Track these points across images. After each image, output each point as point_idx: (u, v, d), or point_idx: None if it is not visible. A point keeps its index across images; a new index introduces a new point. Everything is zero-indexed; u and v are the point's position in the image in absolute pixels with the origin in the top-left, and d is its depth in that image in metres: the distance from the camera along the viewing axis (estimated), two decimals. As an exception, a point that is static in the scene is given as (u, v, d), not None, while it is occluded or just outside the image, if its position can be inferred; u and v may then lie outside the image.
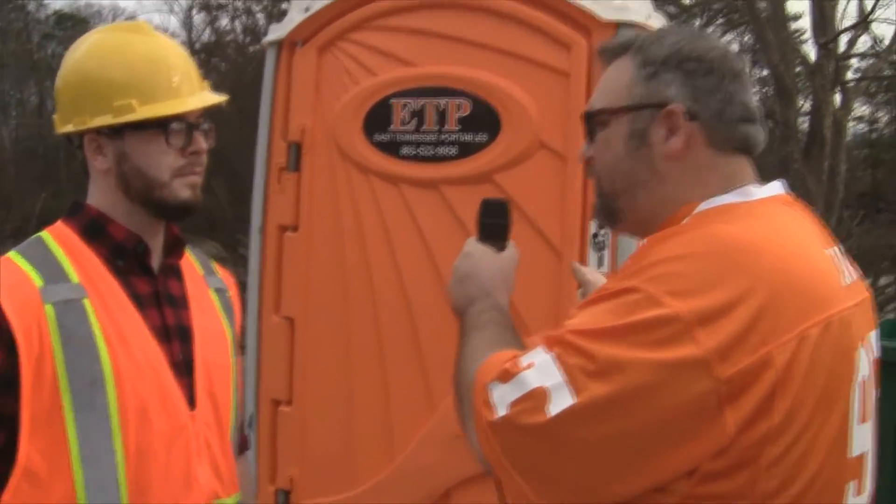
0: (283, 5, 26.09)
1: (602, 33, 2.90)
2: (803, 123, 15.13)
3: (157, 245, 1.78)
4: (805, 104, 17.16)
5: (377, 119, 3.07)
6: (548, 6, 2.95)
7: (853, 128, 18.48)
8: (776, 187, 1.54)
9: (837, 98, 13.40)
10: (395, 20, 3.08)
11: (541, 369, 1.32)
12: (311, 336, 3.18)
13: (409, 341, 3.04)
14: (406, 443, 3.06)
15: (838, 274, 1.45)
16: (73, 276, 1.64)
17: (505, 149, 2.95)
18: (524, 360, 1.35)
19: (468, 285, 1.66)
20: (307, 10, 3.16)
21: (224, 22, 28.25)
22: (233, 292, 2.01)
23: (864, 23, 13.33)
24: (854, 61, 15.64)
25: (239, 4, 25.94)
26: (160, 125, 1.71)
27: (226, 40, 28.02)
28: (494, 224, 1.77)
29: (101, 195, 1.76)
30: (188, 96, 1.75)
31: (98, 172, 1.74)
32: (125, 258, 1.72)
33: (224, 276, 2.01)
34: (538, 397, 1.29)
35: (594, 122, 1.59)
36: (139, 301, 1.71)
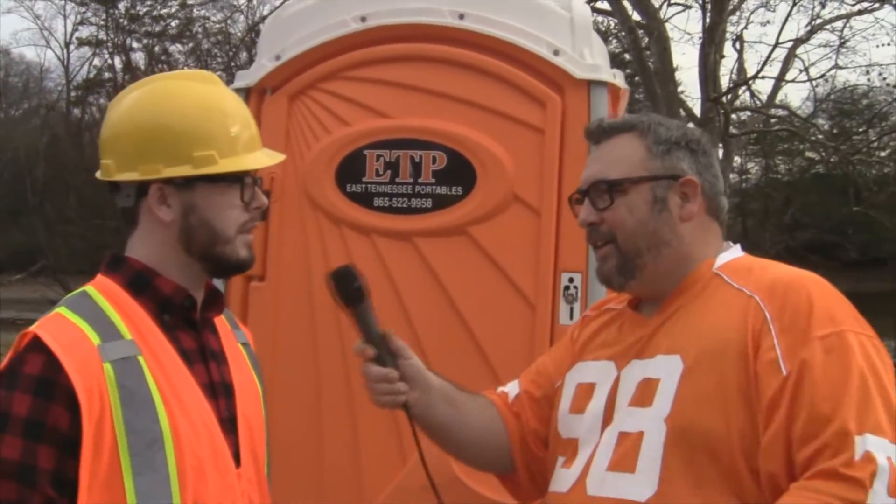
0: (166, 44, 25.83)
1: (575, 91, 2.99)
2: (688, 174, 15.69)
3: (199, 299, 1.75)
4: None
5: (350, 169, 3.07)
6: (523, 63, 3.01)
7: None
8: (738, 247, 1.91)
9: (719, 151, 13.97)
10: (369, 71, 3.10)
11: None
12: (277, 386, 3.10)
13: (380, 392, 3.02)
14: (376, 494, 3.03)
15: None
16: (125, 332, 1.59)
17: (480, 202, 2.99)
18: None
19: None
20: (278, 57, 3.15)
21: (105, 57, 27.71)
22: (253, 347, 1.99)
23: (752, 79, 13.95)
24: (734, 115, 16.35)
25: (119, 41, 25.53)
26: (235, 179, 1.69)
27: (104, 77, 27.49)
28: (344, 290, 1.93)
29: (153, 247, 1.70)
30: (257, 151, 1.74)
31: (156, 223, 1.68)
32: (172, 312, 1.68)
33: (245, 330, 1.98)
34: None
35: (613, 190, 1.84)
36: (186, 357, 1.67)
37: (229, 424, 1.70)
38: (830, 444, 1.53)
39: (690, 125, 1.98)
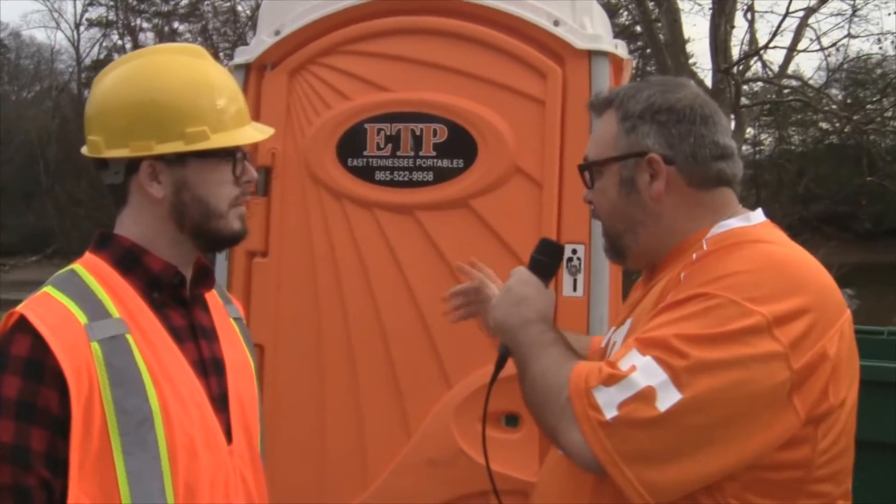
0: (175, 24, 25.82)
1: (576, 62, 2.96)
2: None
3: (188, 276, 1.74)
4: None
5: (351, 144, 3.05)
6: (523, 34, 2.98)
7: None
8: (761, 214, 1.79)
9: (731, 122, 13.87)
10: (368, 45, 3.07)
11: (644, 371, 1.51)
12: (281, 363, 3.13)
13: (383, 367, 3.02)
14: (380, 469, 3.03)
15: None
16: (114, 311, 1.58)
17: (481, 174, 2.97)
18: (624, 365, 1.54)
19: (525, 308, 1.81)
20: (278, 33, 3.13)
21: (114, 39, 27.74)
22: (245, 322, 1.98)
23: (763, 49, 13.83)
24: (745, 86, 16.23)
25: (131, 22, 25.55)
26: (227, 154, 1.67)
27: (114, 58, 27.48)
28: (547, 263, 1.92)
29: (143, 224, 1.68)
30: (247, 125, 1.73)
31: (147, 200, 1.67)
32: (161, 290, 1.67)
33: (237, 304, 1.98)
34: (648, 395, 1.49)
35: (591, 171, 1.84)
36: (176, 334, 1.66)
37: (220, 402, 1.69)
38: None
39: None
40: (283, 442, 3.10)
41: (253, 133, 1.74)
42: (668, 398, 1.48)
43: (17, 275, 21.57)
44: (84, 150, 1.71)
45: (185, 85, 1.67)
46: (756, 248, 1.64)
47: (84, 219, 22.64)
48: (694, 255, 1.67)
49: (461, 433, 2.91)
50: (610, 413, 1.51)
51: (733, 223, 1.74)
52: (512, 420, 2.90)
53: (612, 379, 1.53)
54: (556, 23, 2.96)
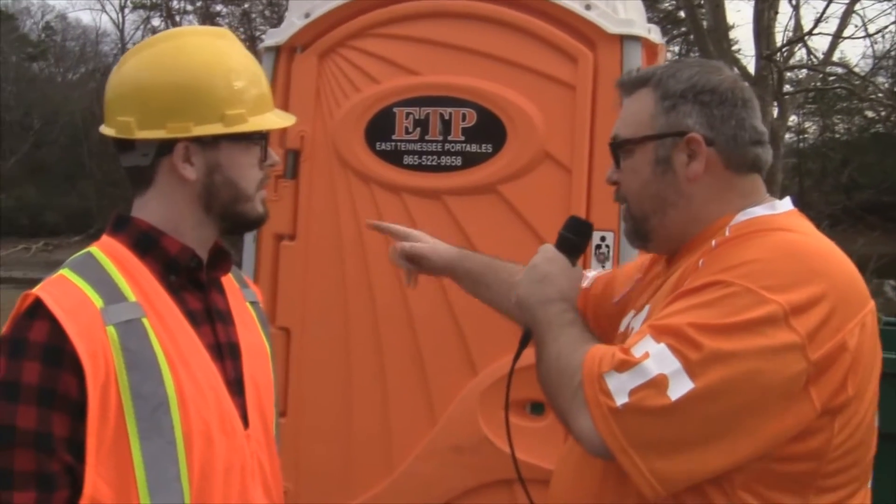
0: (217, 7, 25.96)
1: (608, 46, 2.93)
2: (741, 134, 15.42)
3: (205, 259, 1.73)
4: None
5: (380, 127, 3.04)
6: (554, 18, 2.95)
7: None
8: (789, 202, 1.76)
9: (774, 109, 13.69)
10: (398, 28, 3.05)
11: (657, 359, 1.48)
12: (307, 347, 3.13)
13: (409, 353, 3.02)
14: (405, 455, 3.03)
15: None
16: (130, 294, 1.57)
17: (510, 160, 2.94)
18: (637, 351, 1.51)
19: (547, 287, 1.78)
20: (307, 15, 3.12)
21: (157, 22, 27.93)
22: (263, 305, 1.97)
23: (807, 35, 13.64)
24: (789, 73, 16.01)
25: (174, 4, 25.72)
26: (258, 138, 1.68)
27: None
28: (575, 241, 1.89)
29: (169, 206, 1.67)
30: (273, 110, 1.73)
31: (177, 182, 1.66)
32: (178, 273, 1.67)
33: (254, 288, 1.97)
34: (660, 383, 1.46)
35: (620, 150, 1.79)
36: (193, 318, 1.64)
37: (236, 386, 1.68)
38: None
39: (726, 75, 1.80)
40: (309, 425, 3.11)
41: (283, 117, 1.75)
42: (680, 387, 1.45)
43: (60, 254, 21.85)
44: (107, 130, 1.69)
45: (223, 68, 1.67)
46: (776, 237, 1.61)
47: (123, 200, 22.87)
48: (713, 242, 1.64)
49: (486, 420, 2.90)
50: (620, 399, 1.48)
51: (758, 211, 1.71)
52: (537, 408, 2.88)
53: (625, 365, 1.50)
54: (588, 7, 2.93)
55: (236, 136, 1.66)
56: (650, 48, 3.05)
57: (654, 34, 3.07)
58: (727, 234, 1.67)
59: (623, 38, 2.93)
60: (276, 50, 3.16)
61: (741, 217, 1.69)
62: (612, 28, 2.91)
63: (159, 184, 1.68)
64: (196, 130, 1.63)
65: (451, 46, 3.01)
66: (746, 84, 1.81)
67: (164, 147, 1.65)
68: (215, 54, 1.69)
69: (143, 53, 1.70)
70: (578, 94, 2.91)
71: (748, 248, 1.58)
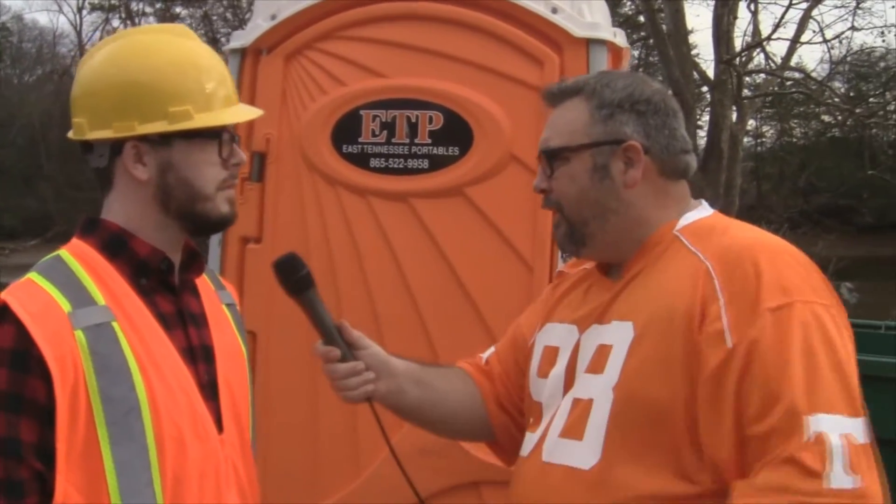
0: (177, 9, 25.77)
1: (574, 50, 2.93)
2: (701, 138, 15.59)
3: (176, 261, 1.72)
4: (702, 119, 17.65)
5: (346, 130, 3.02)
6: (521, 21, 2.96)
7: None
8: (708, 204, 1.87)
9: (733, 113, 13.84)
10: (365, 31, 3.04)
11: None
12: (273, 351, 3.11)
13: (376, 355, 3.00)
14: (373, 457, 3.01)
15: None
16: (99, 297, 1.55)
17: (477, 162, 2.94)
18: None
19: None
20: (274, 17, 3.10)
21: (115, 24, 27.67)
22: (239, 307, 1.96)
23: (765, 40, 13.79)
24: (748, 78, 16.18)
25: (133, 6, 25.49)
26: (213, 135, 1.65)
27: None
28: (299, 279, 1.94)
29: (129, 207, 1.66)
30: (234, 106, 1.71)
31: (132, 183, 1.65)
32: (148, 276, 1.65)
33: (231, 289, 1.96)
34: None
35: (555, 158, 1.83)
36: (164, 321, 1.63)
37: (210, 389, 1.67)
38: (779, 427, 1.47)
39: (646, 84, 1.85)
40: (276, 429, 3.09)
41: (239, 113, 1.72)
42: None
43: (17, 258, 21.54)
44: (70, 133, 1.69)
45: (169, 64, 1.65)
46: (768, 242, 1.70)
47: (83, 203, 22.62)
48: (708, 265, 1.65)
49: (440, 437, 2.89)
50: None
51: (697, 214, 1.81)
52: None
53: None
54: (554, 10, 2.94)
55: (189, 133, 1.63)
56: (615, 52, 3.07)
57: (620, 38, 3.09)
58: (684, 239, 1.74)
59: (589, 42, 2.93)
60: (242, 52, 3.14)
61: (684, 221, 1.78)
62: (579, 31, 2.92)
63: (118, 185, 1.67)
64: (140, 129, 1.61)
65: (419, 49, 3.00)
66: (672, 95, 1.91)
67: (117, 147, 1.64)
68: (162, 51, 1.67)
69: (97, 54, 1.70)
70: (545, 98, 2.91)
71: (759, 261, 1.62)
